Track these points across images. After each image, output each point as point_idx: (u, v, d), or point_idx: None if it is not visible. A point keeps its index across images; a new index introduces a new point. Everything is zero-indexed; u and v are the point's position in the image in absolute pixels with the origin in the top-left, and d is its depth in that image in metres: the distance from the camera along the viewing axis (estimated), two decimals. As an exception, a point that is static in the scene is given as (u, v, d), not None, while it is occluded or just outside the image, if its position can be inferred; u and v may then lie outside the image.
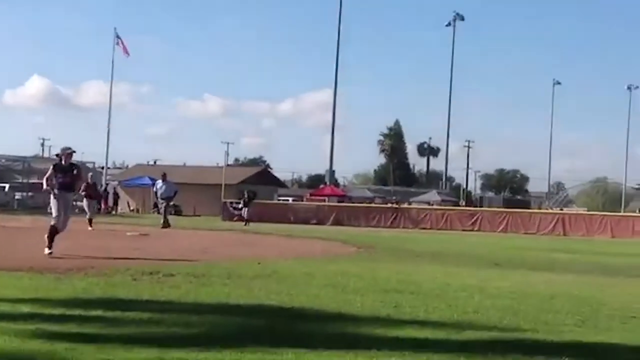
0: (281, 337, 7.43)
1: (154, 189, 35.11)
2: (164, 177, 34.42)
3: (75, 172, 16.94)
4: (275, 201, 66.20)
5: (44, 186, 16.95)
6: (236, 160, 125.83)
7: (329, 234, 31.73)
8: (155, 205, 33.78)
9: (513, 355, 6.99)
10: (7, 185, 62.54)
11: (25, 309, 8.48)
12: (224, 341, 7.05)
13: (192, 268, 14.02)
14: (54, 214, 16.67)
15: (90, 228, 28.07)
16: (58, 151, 17.64)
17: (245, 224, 42.31)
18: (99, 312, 8.40)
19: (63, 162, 16.91)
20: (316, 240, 27.41)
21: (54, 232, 16.29)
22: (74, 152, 17.23)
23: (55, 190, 16.58)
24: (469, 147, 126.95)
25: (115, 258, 16.01)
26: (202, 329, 7.84)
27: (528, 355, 7.03)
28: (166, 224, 32.43)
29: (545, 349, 7.40)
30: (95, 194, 32.21)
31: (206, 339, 7.13)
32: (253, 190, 51.38)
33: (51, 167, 17.01)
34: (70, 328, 7.44)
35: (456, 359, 6.81)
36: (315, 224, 48.13)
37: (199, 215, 60.09)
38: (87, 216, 29.39)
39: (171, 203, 36.34)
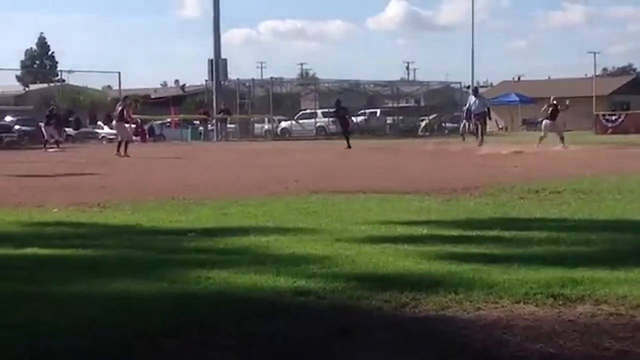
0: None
1: (466, 105, 33.34)
2: (475, 92, 32.55)
3: None
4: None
5: None
6: (604, 70, 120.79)
7: None
8: (469, 123, 32.08)
9: None
10: (378, 111, 64.73)
11: (423, 231, 8.64)
12: (629, 259, 6.72)
13: (578, 184, 13.65)
14: None
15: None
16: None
17: None
18: (495, 232, 8.35)
19: None
20: None
21: None
22: None
23: None
24: None
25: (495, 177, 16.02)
26: (604, 247, 7.51)
27: None
28: (481, 142, 30.09)
29: None
30: None
31: (610, 257, 6.83)
32: None
33: None
34: (471, 249, 7.43)
35: None
36: None
37: (569, 130, 58.57)
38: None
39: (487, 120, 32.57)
